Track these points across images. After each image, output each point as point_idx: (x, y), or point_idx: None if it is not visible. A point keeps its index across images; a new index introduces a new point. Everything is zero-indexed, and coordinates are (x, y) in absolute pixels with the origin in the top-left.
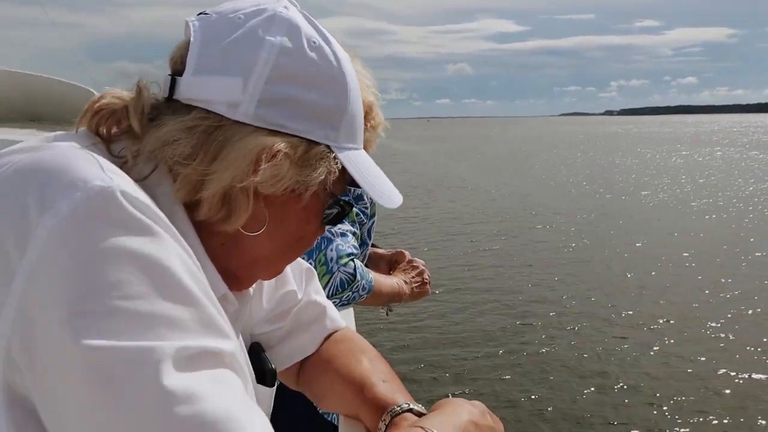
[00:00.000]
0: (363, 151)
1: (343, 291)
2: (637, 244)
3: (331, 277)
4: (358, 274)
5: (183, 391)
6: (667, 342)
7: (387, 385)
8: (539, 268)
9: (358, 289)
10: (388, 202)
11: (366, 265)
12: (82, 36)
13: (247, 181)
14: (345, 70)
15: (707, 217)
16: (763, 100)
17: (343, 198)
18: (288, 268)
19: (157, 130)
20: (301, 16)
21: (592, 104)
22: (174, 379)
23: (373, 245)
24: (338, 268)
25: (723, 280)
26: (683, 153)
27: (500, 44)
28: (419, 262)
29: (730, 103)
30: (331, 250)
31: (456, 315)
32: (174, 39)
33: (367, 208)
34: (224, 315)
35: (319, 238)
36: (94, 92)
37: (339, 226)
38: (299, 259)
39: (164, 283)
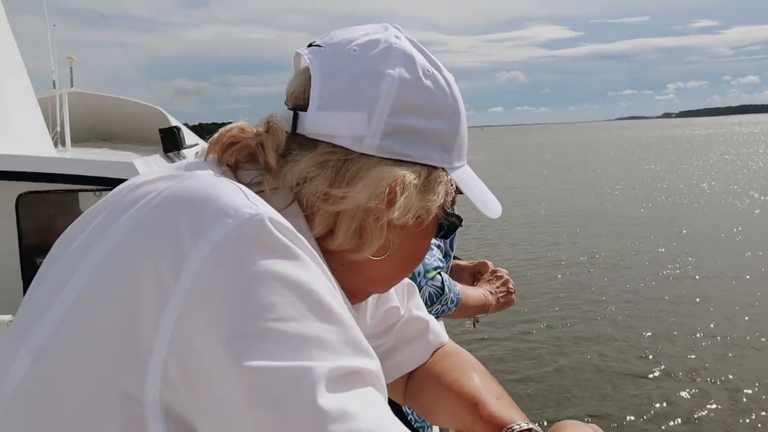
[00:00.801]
0: (467, 166)
1: (432, 305)
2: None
3: (419, 292)
4: (446, 287)
5: (337, 410)
6: None
7: (501, 403)
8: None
9: (447, 302)
10: (492, 213)
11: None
12: (141, 56)
13: (382, 214)
14: (456, 94)
15: None
16: None
17: (454, 213)
18: None
19: (293, 165)
20: (411, 45)
21: (650, 107)
22: (328, 398)
23: (455, 257)
24: (426, 282)
25: None
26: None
27: (552, 50)
28: (503, 272)
29: None
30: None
31: (549, 331)
32: (227, 56)
33: None
34: (362, 333)
35: None
36: (163, 111)
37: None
38: None
39: (313, 306)
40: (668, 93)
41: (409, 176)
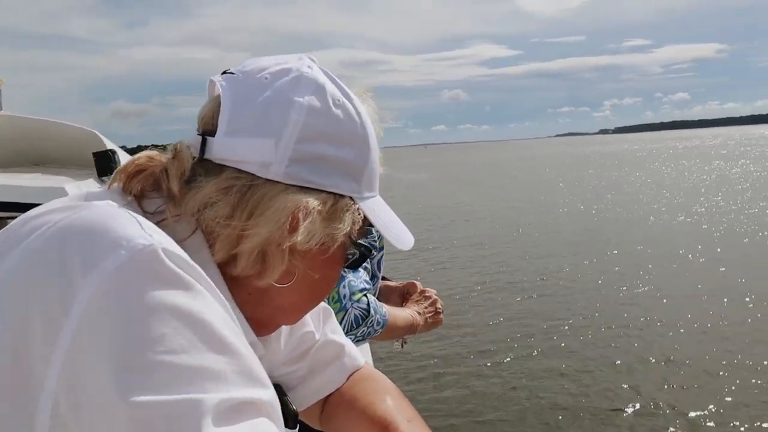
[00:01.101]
0: (379, 197)
1: (358, 327)
2: (647, 266)
3: (345, 314)
4: (372, 309)
5: None
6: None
7: (412, 425)
8: (547, 290)
9: (373, 324)
10: (403, 245)
11: (378, 299)
12: (79, 78)
13: (284, 240)
14: (366, 124)
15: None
16: (756, 112)
17: (363, 243)
18: None
19: (196, 192)
20: (323, 75)
21: (587, 124)
22: (215, 431)
23: (383, 278)
24: (352, 304)
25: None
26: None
27: (493, 69)
28: (431, 292)
29: (723, 116)
30: (344, 286)
31: (469, 345)
32: (168, 77)
33: (375, 241)
34: (259, 363)
35: None
36: (98, 134)
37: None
38: None
39: (205, 336)
40: (604, 110)
41: (313, 203)
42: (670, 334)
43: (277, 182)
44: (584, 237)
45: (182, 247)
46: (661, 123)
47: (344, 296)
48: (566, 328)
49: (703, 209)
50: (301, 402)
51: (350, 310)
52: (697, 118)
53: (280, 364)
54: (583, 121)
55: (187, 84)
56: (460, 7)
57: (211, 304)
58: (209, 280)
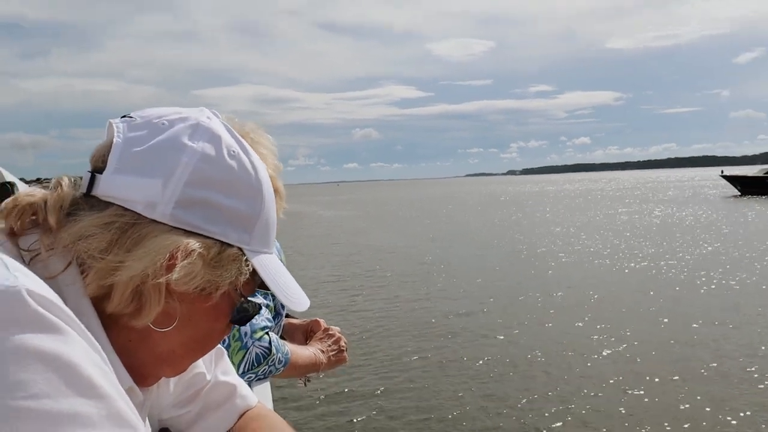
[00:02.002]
0: (274, 255)
1: (259, 365)
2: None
3: (246, 353)
4: (273, 348)
5: None
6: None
7: None
8: (455, 321)
9: (275, 363)
10: (297, 306)
11: (282, 337)
12: None
13: (160, 277)
14: (261, 179)
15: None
16: (651, 158)
17: (251, 299)
18: None
19: (73, 224)
20: (223, 128)
21: (495, 165)
22: None
23: (287, 315)
24: (253, 342)
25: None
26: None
27: (404, 109)
28: (335, 330)
29: (622, 160)
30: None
31: (378, 381)
32: (69, 109)
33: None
34: (132, 406)
35: None
36: None
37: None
38: None
39: (70, 380)
40: (512, 152)
41: (195, 245)
42: (573, 369)
43: (162, 223)
44: (503, 277)
45: (55, 282)
46: (565, 165)
47: (245, 334)
48: (469, 365)
49: (617, 242)
50: None
51: (251, 348)
52: (599, 162)
53: (170, 407)
54: (491, 162)
55: (89, 117)
56: (371, 49)
57: (78, 346)
58: (79, 322)
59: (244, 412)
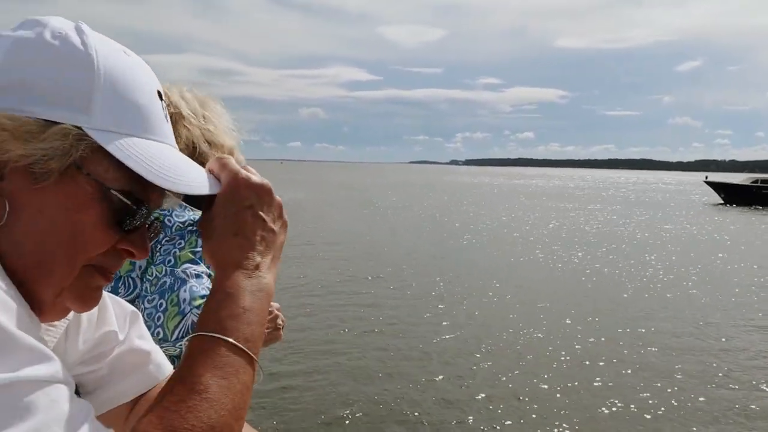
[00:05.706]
0: (164, 144)
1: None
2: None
3: (182, 319)
4: None
5: None
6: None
7: None
8: (397, 305)
9: None
10: (184, 188)
11: None
12: None
13: None
14: (96, 54)
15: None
16: (591, 157)
17: (125, 190)
18: (111, 308)
19: None
20: (67, 22)
21: (439, 153)
22: None
23: None
24: (191, 309)
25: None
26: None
27: (352, 92)
28: (274, 306)
29: (563, 158)
30: (185, 291)
31: (310, 359)
32: None
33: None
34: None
35: (172, 278)
36: None
37: (194, 267)
38: (123, 301)
39: None
40: (456, 142)
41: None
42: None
43: None
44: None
45: None
46: (508, 159)
47: (184, 300)
48: (407, 345)
49: (556, 248)
50: (100, 406)
51: (188, 315)
52: (540, 158)
53: (77, 364)
54: (436, 151)
55: None
56: (321, 28)
57: None
58: None
59: (161, 380)
